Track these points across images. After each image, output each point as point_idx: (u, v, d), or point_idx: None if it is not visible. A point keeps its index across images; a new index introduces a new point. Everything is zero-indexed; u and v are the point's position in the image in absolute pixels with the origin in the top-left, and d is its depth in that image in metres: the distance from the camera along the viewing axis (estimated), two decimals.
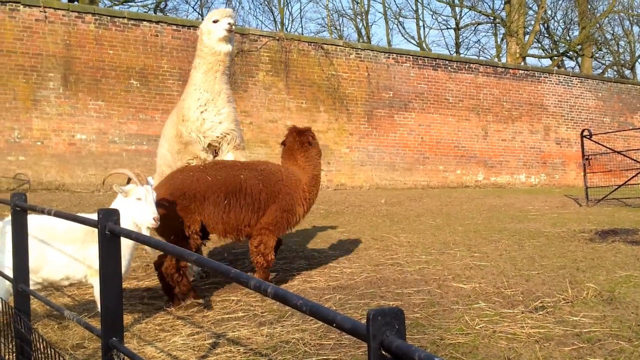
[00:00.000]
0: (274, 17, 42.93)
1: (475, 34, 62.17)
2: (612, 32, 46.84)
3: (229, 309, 6.37)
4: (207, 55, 7.30)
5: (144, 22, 18.98)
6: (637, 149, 19.97)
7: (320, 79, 21.27)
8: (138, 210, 5.49)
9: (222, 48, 7.30)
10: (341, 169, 21.29)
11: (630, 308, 5.82)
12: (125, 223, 5.56)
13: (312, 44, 21.66)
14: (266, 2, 44.96)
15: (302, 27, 50.60)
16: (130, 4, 33.13)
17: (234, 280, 2.71)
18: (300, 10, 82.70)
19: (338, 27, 44.75)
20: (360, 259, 8.89)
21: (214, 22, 7.29)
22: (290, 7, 53.50)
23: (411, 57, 23.56)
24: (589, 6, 41.47)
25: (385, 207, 15.77)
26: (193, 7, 44.40)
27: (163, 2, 36.44)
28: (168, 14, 34.83)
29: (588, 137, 18.37)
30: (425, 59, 23.94)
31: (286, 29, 40.41)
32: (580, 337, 5.01)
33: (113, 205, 5.48)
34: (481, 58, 39.22)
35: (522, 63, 34.03)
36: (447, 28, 45.42)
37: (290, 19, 44.14)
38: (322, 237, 10.98)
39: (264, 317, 5.93)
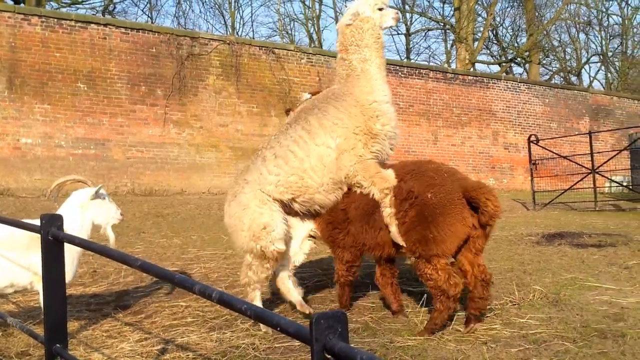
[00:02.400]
0: (224, 20, 42.79)
1: (425, 39, 62.87)
2: (559, 39, 47.87)
3: (178, 314, 6.30)
4: (375, 46, 5.95)
5: (92, 25, 18.70)
6: (583, 154, 20.38)
7: (271, 84, 21.23)
8: (106, 209, 5.68)
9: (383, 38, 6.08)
10: None
11: (575, 310, 5.93)
12: (84, 224, 5.50)
13: (263, 48, 21.63)
14: (217, 6, 44.93)
15: (253, 31, 50.48)
16: (77, 6, 32.65)
17: (178, 285, 2.67)
18: (252, 14, 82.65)
19: (289, 32, 44.83)
20: (312, 263, 8.87)
21: (379, 9, 5.98)
22: (241, 11, 53.48)
23: None
24: (537, 13, 42.26)
25: None
26: (142, 10, 43.98)
27: (111, 5, 35.99)
28: (117, 17, 34.41)
29: (535, 142, 18.73)
30: None
31: (237, 33, 40.31)
32: (526, 338, 5.08)
33: (63, 209, 5.40)
34: (431, 64, 39.65)
35: (472, 69, 34.50)
36: (398, 34, 45.60)
37: (242, 23, 44.17)
38: None
39: (214, 322, 5.88)
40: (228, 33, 38.49)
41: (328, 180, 5.61)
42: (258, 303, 5.73)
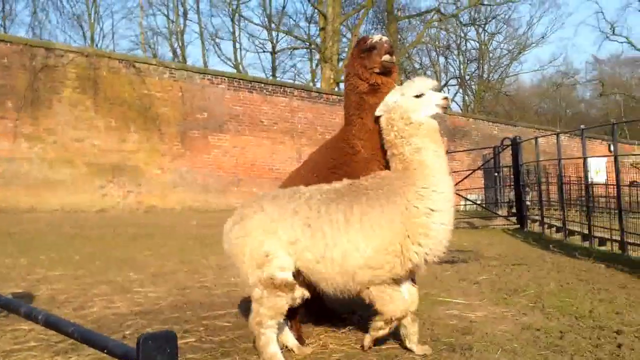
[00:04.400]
0: (83, 32, 41.48)
1: (291, 58, 63.57)
2: (420, 61, 49.91)
3: (21, 338, 5.89)
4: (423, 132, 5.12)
5: None
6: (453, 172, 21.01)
7: (131, 98, 20.67)
8: None
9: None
10: (152, 190, 20.76)
11: (427, 324, 6.06)
12: None
13: (124, 61, 21.06)
14: (75, 17, 43.28)
15: (114, 43, 49.15)
16: None
17: (2, 307, 2.45)
18: (112, 27, 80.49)
19: (152, 46, 44.03)
20: (167, 282, 8.64)
21: (417, 96, 5.17)
22: (101, 23, 51.88)
23: (226, 78, 23.55)
24: (399, 36, 43.84)
25: (196, 230, 15.52)
26: None
27: None
28: None
29: None
30: (241, 81, 24.03)
31: (96, 45, 39.17)
32: (379, 353, 5.13)
33: None
34: (297, 82, 40.07)
35: (336, 88, 35.10)
36: (264, 51, 46.02)
37: (102, 35, 42.93)
38: (127, 261, 10.56)
39: (59, 346, 5.54)
40: (87, 45, 37.29)
41: (341, 280, 4.81)
42: (275, 348, 4.85)
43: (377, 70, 5.36)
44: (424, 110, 5.11)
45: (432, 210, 4.78)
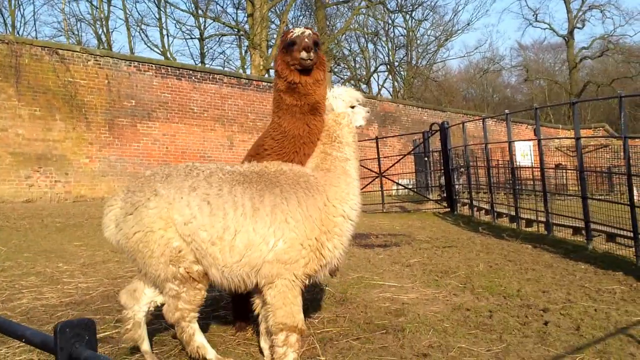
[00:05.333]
0: (3, 19, 40.00)
1: (220, 45, 62.82)
2: (349, 48, 50.12)
3: None
4: (354, 145, 5.30)
5: None
6: (373, 159, 21.24)
7: (55, 86, 20.09)
8: None
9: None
10: (81, 179, 20.28)
11: (360, 307, 6.12)
12: None
13: (46, 48, 20.41)
14: None
15: (36, 30, 47.61)
16: None
17: None
18: (34, 13, 78.28)
19: (76, 32, 42.83)
20: (98, 272, 8.49)
21: (352, 107, 5.24)
22: (22, 9, 50.32)
23: (154, 65, 23.12)
24: (328, 23, 43.87)
25: None
26: None
27: None
28: None
29: None
30: (169, 68, 23.63)
31: (17, 32, 37.92)
32: (314, 337, 5.13)
33: None
34: (226, 69, 39.68)
35: (266, 75, 34.92)
36: (192, 38, 45.34)
37: (23, 22, 41.55)
38: (56, 252, 10.32)
39: None
40: (8, 32, 36.07)
41: (238, 270, 4.56)
42: (201, 337, 4.79)
43: (297, 67, 5.13)
44: (356, 122, 5.28)
45: (348, 217, 4.80)
